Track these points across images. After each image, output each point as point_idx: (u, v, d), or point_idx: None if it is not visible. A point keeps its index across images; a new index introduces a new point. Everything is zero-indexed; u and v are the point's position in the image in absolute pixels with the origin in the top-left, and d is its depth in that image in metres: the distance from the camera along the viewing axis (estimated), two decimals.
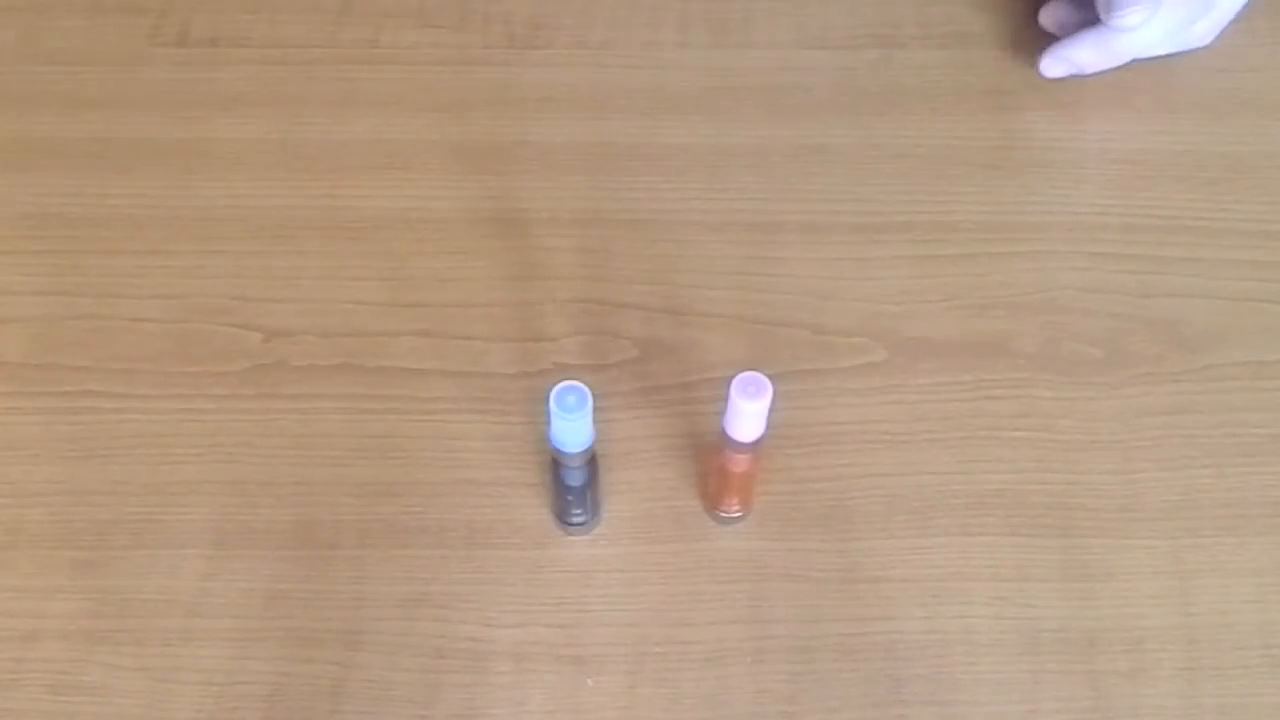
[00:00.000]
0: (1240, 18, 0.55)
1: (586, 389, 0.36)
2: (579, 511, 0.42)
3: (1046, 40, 0.55)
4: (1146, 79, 0.54)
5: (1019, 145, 0.53)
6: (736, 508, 0.43)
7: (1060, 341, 0.48)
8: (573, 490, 0.41)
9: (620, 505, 0.44)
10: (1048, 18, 0.55)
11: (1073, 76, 0.54)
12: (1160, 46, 0.54)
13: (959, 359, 0.47)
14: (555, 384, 0.37)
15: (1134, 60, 0.54)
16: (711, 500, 0.43)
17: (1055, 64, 0.54)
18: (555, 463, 0.40)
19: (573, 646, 0.42)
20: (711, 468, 0.42)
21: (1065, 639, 0.42)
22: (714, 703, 0.41)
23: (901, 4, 0.58)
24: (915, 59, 0.56)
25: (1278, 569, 0.43)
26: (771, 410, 0.37)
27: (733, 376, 0.36)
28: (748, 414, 0.37)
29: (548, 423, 0.38)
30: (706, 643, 0.42)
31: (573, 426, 0.37)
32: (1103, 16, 0.51)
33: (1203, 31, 0.54)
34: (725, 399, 0.37)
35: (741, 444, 0.39)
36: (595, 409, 0.37)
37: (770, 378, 0.36)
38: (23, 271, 0.49)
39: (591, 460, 0.40)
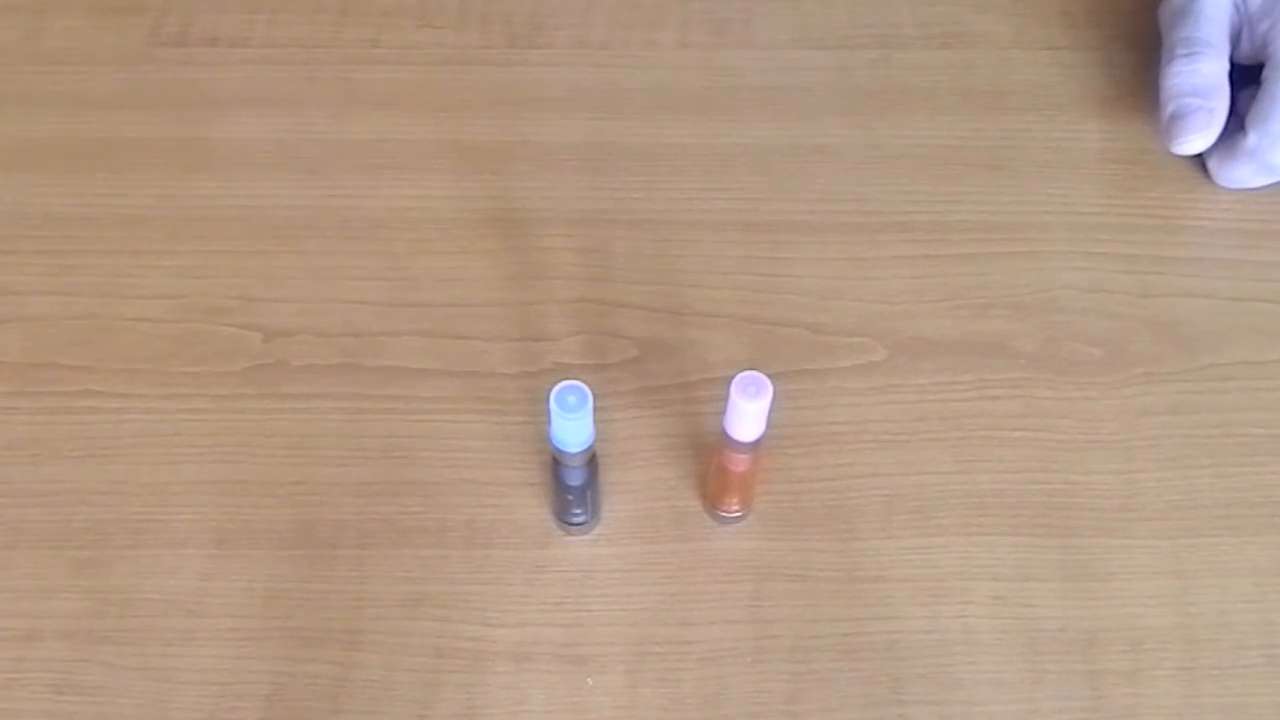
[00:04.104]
0: None
1: (586, 389, 0.36)
2: (579, 511, 0.42)
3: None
4: (1146, 79, 0.54)
5: (1019, 145, 0.53)
6: (736, 507, 0.43)
7: (1060, 341, 0.48)
8: (573, 490, 0.41)
9: (620, 505, 0.44)
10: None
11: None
12: None
13: (959, 359, 0.47)
14: (555, 384, 0.37)
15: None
16: (711, 500, 0.43)
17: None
18: (555, 463, 0.40)
19: (573, 646, 0.42)
20: (711, 467, 0.42)
21: (1065, 639, 0.42)
22: (714, 703, 0.41)
23: (901, 4, 0.58)
24: (915, 59, 0.56)
25: (1278, 569, 0.43)
26: (771, 410, 0.37)
27: (733, 376, 0.36)
28: (748, 414, 0.37)
29: (548, 422, 0.38)
30: (706, 643, 0.42)
31: (573, 426, 0.37)
32: (1166, 140, 0.50)
33: None
34: (725, 399, 0.37)
35: (741, 444, 0.39)
36: (595, 409, 0.37)
37: (770, 378, 0.36)
38: (23, 271, 0.49)
39: (591, 460, 0.40)
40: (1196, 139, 0.49)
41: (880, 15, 0.57)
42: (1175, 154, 0.50)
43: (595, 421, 0.38)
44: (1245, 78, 0.51)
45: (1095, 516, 0.44)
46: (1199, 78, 0.50)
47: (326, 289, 0.49)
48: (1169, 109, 0.50)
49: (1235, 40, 0.52)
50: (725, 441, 0.39)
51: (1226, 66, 0.50)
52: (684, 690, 0.41)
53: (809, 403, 0.46)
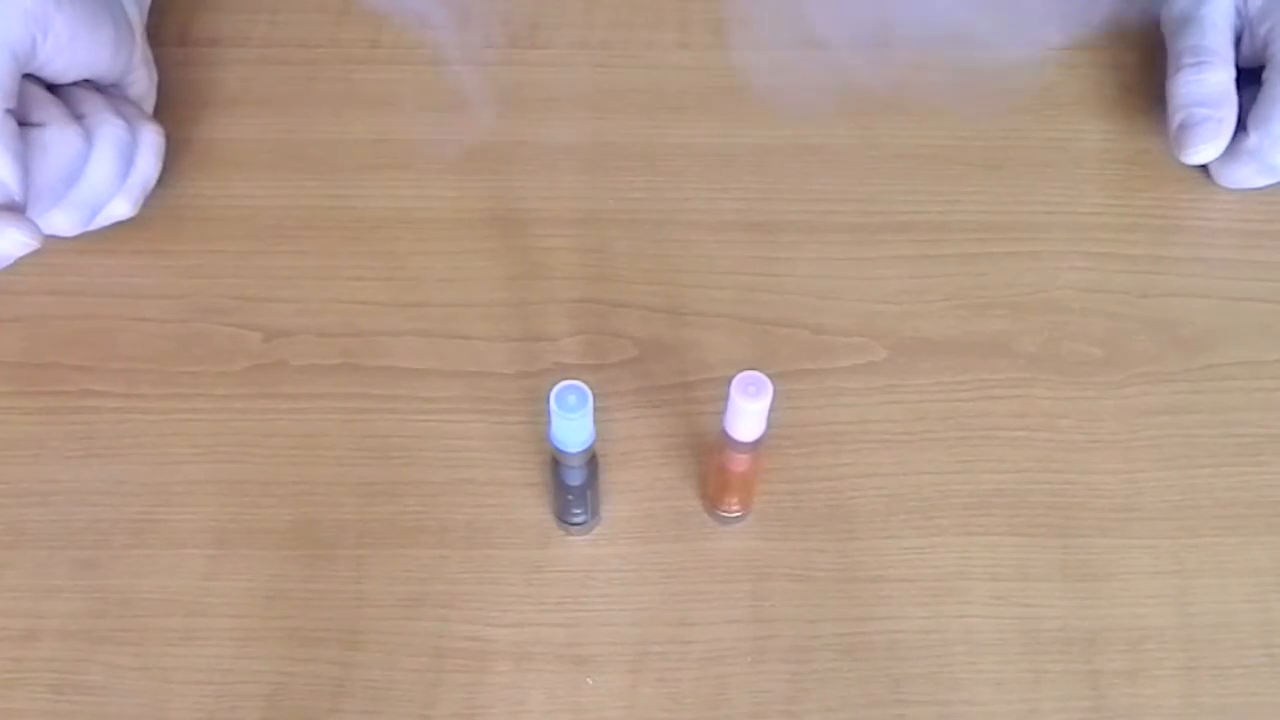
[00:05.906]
0: None
1: (586, 388, 0.36)
2: (579, 511, 0.42)
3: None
4: (1145, 79, 0.54)
5: (1019, 145, 0.53)
6: (736, 507, 0.43)
7: (1060, 341, 0.48)
8: (573, 490, 0.41)
9: (620, 505, 0.44)
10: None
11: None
12: None
13: (959, 359, 0.47)
14: (555, 384, 0.37)
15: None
16: (711, 500, 0.43)
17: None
18: (555, 463, 0.40)
19: (573, 646, 0.42)
20: (711, 467, 0.42)
21: (1065, 639, 0.42)
22: (714, 703, 0.41)
23: (902, 4, 0.58)
24: (915, 59, 0.56)
25: (1278, 569, 0.43)
26: (771, 410, 0.37)
27: (733, 376, 0.36)
28: (748, 414, 0.37)
29: (548, 422, 0.38)
30: (706, 643, 0.42)
31: (573, 426, 0.37)
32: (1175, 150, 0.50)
33: None
34: (725, 399, 0.37)
35: (741, 444, 0.39)
36: (595, 409, 0.37)
37: (770, 378, 0.36)
38: (22, 272, 0.49)
39: (591, 460, 0.40)
40: (1206, 148, 0.50)
41: (879, 15, 0.57)
42: (1184, 162, 0.51)
43: (595, 421, 0.38)
44: (1246, 79, 0.51)
45: (1095, 516, 0.44)
46: (1207, 87, 0.50)
47: (326, 289, 0.49)
48: (1178, 119, 0.50)
49: (1236, 43, 0.52)
50: (725, 441, 0.39)
51: (1233, 74, 0.51)
52: (684, 690, 0.41)
53: (809, 403, 0.46)
